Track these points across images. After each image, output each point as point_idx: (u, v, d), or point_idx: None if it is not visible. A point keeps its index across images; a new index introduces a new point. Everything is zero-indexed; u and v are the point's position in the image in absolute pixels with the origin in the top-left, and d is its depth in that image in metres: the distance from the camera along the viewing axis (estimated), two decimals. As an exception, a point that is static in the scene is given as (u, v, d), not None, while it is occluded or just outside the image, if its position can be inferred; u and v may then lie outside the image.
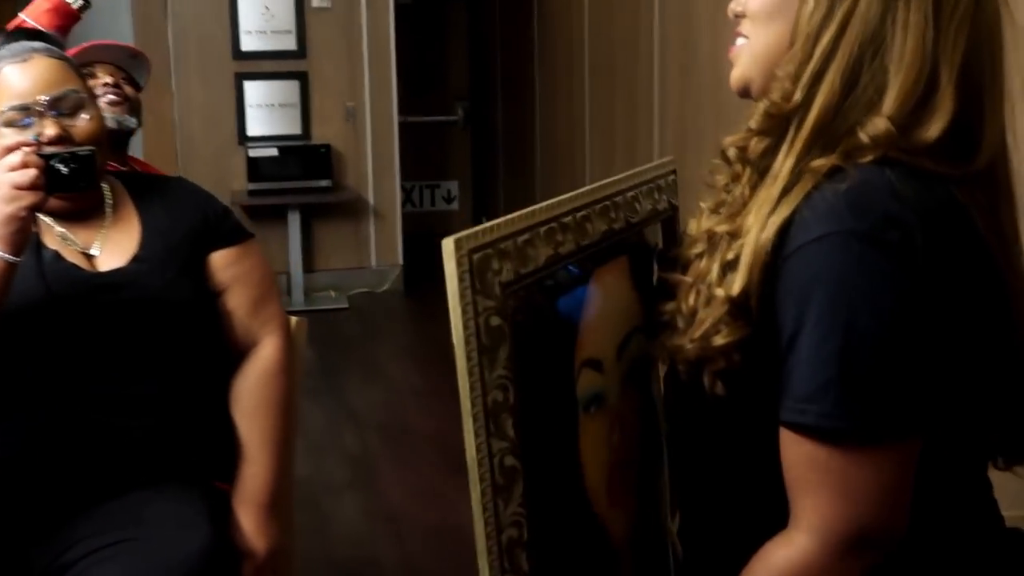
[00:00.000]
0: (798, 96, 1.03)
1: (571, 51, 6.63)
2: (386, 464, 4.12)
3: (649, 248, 1.31)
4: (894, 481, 0.97)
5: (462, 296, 0.98)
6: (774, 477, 1.03)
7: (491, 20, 8.53)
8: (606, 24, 6.01)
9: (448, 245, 0.97)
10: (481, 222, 0.99)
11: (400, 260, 7.03)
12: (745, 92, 1.14)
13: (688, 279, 1.11)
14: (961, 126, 1.02)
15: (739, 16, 1.14)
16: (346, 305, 6.58)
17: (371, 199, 6.96)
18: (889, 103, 1.00)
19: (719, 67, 4.63)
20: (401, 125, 7.11)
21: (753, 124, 1.07)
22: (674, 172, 1.36)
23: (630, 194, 1.26)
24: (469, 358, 0.99)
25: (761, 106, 1.06)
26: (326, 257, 6.96)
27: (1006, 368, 1.10)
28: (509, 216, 1.05)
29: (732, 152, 1.10)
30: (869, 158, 1.00)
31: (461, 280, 0.98)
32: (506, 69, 8.29)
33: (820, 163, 1.00)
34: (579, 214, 1.14)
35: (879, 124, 0.99)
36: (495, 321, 1.01)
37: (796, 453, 0.98)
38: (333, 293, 6.74)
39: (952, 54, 1.01)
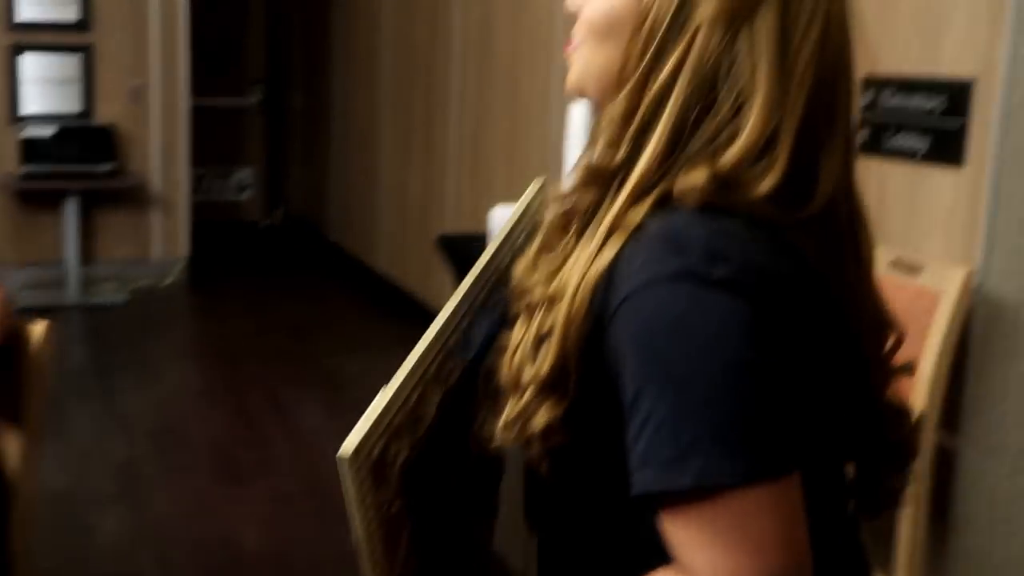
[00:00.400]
0: (623, 152, 0.95)
1: (372, 37, 6.46)
2: (156, 473, 3.86)
3: None
4: (791, 520, 0.89)
5: (362, 500, 0.91)
6: (630, 544, 0.97)
7: (291, 1, 8.26)
8: (408, 11, 5.88)
9: (344, 463, 0.89)
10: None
11: (186, 252, 6.68)
12: (581, 96, 1.09)
13: (510, 339, 1.01)
14: (793, 176, 0.94)
15: (573, 15, 1.07)
16: (126, 299, 6.20)
17: (157, 186, 6.57)
18: (728, 158, 0.92)
19: (517, 59, 4.57)
20: (192, 108, 6.77)
21: (577, 179, 0.99)
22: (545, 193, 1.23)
23: (508, 259, 1.15)
24: (372, 553, 0.94)
25: (584, 161, 0.99)
26: (106, 247, 6.54)
27: (857, 408, 1.05)
28: (399, 377, 0.97)
29: (557, 209, 1.02)
30: (685, 205, 0.93)
31: (360, 487, 0.91)
32: (305, 53, 8.06)
33: (632, 217, 0.93)
34: (465, 322, 1.07)
35: (699, 177, 0.92)
36: (396, 506, 0.96)
37: (677, 520, 0.89)
38: (112, 286, 6.35)
39: (795, 105, 0.94)
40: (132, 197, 6.51)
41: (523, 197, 1.21)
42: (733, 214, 0.92)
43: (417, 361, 1.00)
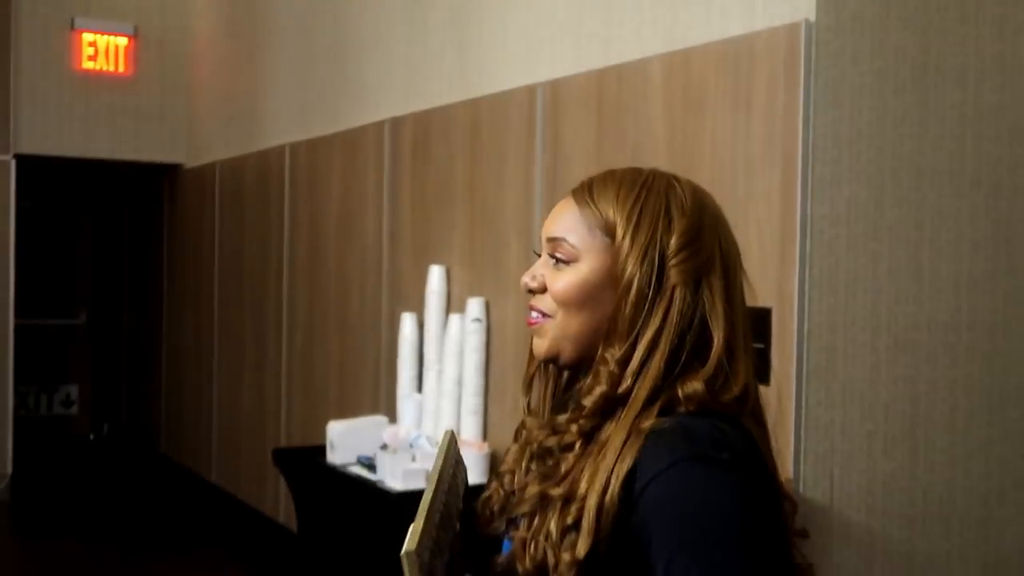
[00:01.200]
0: (627, 383, 1.10)
1: (199, 264, 6.32)
2: None
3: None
4: None
5: None
6: None
7: (119, 230, 8.02)
8: (237, 235, 5.80)
9: (408, 557, 1.01)
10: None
11: (9, 469, 6.12)
12: (554, 360, 1.19)
13: (523, 534, 1.12)
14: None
15: (534, 292, 1.18)
16: (-56, 522, 5.62)
17: (-21, 405, 6.11)
18: (707, 369, 1.10)
19: (346, 278, 4.54)
20: (19, 327, 6.37)
21: (589, 405, 1.11)
22: (456, 442, 1.35)
23: (454, 473, 1.28)
24: None
25: (598, 391, 1.11)
26: (-76, 469, 5.98)
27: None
28: (423, 511, 1.09)
29: (574, 429, 1.12)
30: (683, 410, 1.09)
31: None
32: (133, 276, 7.79)
33: (645, 423, 1.07)
34: (440, 496, 1.18)
35: (697, 387, 1.09)
36: None
37: None
38: (-71, 509, 5.75)
39: (739, 326, 1.13)
40: (-47, 417, 6.01)
41: (440, 447, 1.28)
42: (714, 413, 1.09)
43: (426, 508, 1.10)
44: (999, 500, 2.77)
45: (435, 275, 3.78)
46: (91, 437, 7.89)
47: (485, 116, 3.61)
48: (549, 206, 3.30)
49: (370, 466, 3.54)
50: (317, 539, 3.83)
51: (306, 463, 3.88)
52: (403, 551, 1.01)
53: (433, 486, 1.16)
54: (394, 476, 3.34)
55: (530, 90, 3.37)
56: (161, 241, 7.07)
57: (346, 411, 4.37)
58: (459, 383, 3.60)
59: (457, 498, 1.25)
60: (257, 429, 5.39)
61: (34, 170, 6.59)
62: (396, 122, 4.17)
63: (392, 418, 3.98)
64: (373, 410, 4.21)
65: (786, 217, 2.46)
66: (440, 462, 1.22)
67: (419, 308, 3.88)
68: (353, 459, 3.68)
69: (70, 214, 8.01)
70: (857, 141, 2.48)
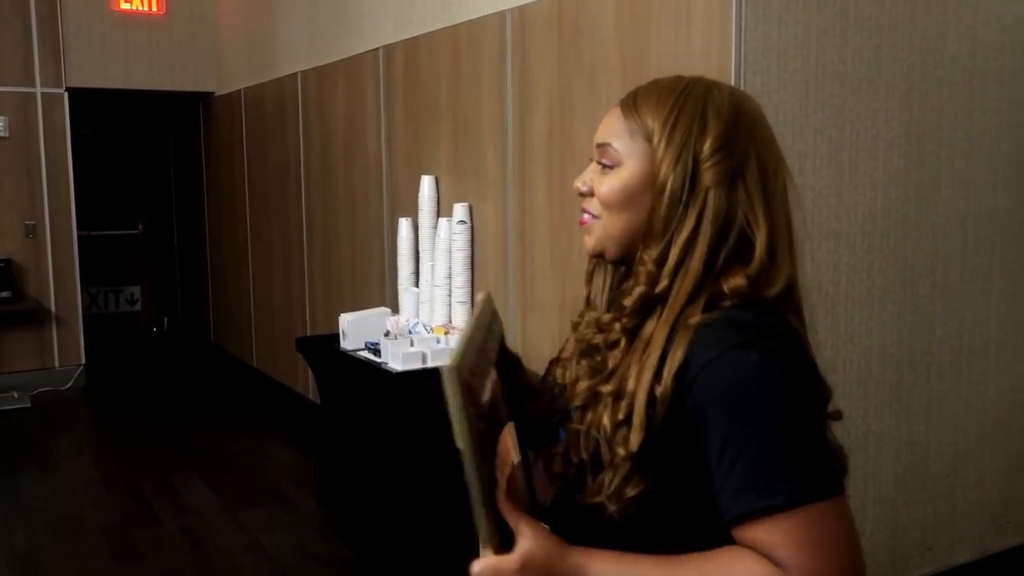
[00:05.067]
0: (664, 283, 0.99)
1: (232, 179, 6.21)
2: (55, 560, 3.42)
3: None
4: (850, 528, 0.93)
5: (462, 409, 0.91)
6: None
7: (165, 151, 7.88)
8: (262, 158, 5.68)
9: (450, 372, 0.90)
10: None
11: (83, 360, 6.15)
12: (600, 256, 1.09)
13: (577, 426, 1.03)
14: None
15: (584, 195, 1.09)
16: (28, 404, 5.62)
17: (52, 306, 6.06)
18: (752, 268, 0.99)
19: (353, 192, 4.45)
20: (86, 238, 6.28)
21: (629, 305, 1.02)
22: (492, 301, 1.26)
23: (491, 324, 1.18)
24: (472, 455, 0.93)
25: (636, 292, 1.01)
26: (10, 361, 5.96)
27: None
28: (464, 339, 0.98)
29: (617, 327, 1.03)
30: (728, 304, 0.98)
31: (462, 397, 0.91)
32: (180, 191, 7.69)
33: (693, 320, 0.97)
34: (478, 336, 1.07)
35: (739, 281, 0.98)
36: (482, 427, 0.96)
37: (766, 529, 0.90)
38: (16, 394, 5.75)
39: (780, 227, 1.02)
40: (31, 317, 5.98)
41: (478, 303, 1.19)
42: (757, 306, 0.98)
43: (466, 338, 1.00)
44: (910, 364, 2.73)
45: (426, 184, 3.68)
46: (153, 330, 7.91)
47: (463, 41, 3.46)
48: (519, 119, 3.18)
49: (376, 350, 3.51)
50: (336, 410, 3.83)
51: (323, 349, 3.85)
52: (446, 367, 0.92)
53: (472, 325, 1.08)
54: (395, 359, 3.31)
55: (500, 16, 3.21)
56: (201, 160, 6.94)
57: (359, 303, 4.33)
58: (449, 277, 3.54)
59: (495, 343, 1.17)
60: (288, 321, 5.36)
61: (89, 101, 6.43)
62: (389, 49, 4.01)
63: (395, 309, 3.93)
64: (380, 302, 4.16)
65: (722, 123, 2.35)
66: (478, 311, 1.15)
67: (414, 213, 3.80)
68: (362, 345, 3.65)
69: (124, 140, 7.85)
70: (784, 52, 2.35)
